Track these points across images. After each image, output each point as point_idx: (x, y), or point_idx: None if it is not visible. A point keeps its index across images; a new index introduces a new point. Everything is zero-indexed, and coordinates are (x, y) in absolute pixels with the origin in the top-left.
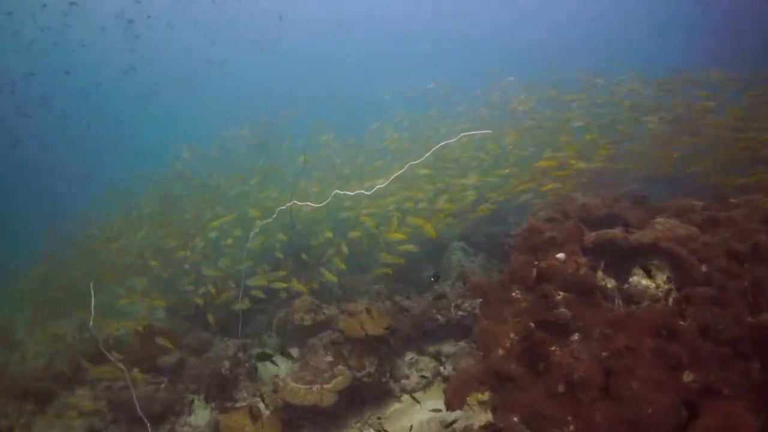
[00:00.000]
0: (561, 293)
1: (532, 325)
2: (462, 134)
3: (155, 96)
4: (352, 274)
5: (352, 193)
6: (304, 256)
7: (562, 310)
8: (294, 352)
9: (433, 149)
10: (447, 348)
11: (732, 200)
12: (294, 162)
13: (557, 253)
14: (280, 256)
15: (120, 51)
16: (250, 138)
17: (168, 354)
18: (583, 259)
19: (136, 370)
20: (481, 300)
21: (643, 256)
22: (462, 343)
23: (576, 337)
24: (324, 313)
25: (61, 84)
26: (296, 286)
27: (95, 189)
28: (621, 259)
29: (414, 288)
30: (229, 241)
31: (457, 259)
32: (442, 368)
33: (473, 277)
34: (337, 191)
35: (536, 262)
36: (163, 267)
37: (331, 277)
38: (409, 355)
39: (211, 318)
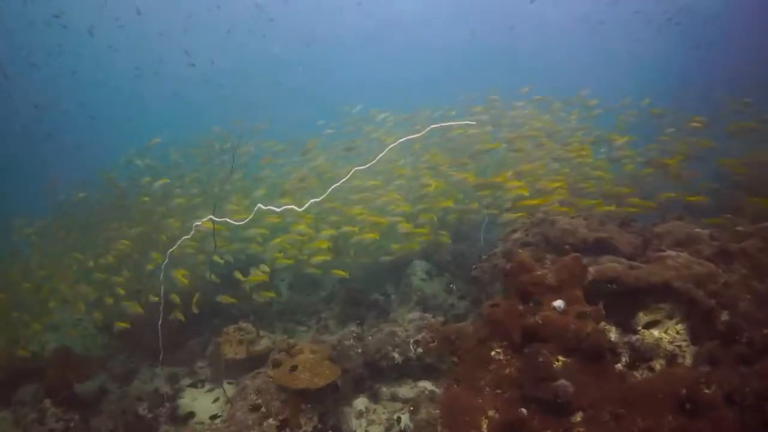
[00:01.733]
0: (560, 358)
1: (524, 410)
2: (431, 127)
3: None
4: (300, 293)
5: (278, 209)
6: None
7: (562, 383)
8: (229, 388)
9: (387, 149)
10: (404, 391)
11: (740, 228)
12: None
13: (553, 300)
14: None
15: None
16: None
17: (87, 382)
18: (589, 310)
19: (48, 402)
20: (449, 353)
21: (652, 298)
22: (422, 384)
23: (579, 418)
24: (262, 343)
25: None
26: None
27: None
28: (624, 301)
29: (368, 313)
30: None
31: (418, 281)
32: (399, 416)
33: (437, 320)
34: (260, 206)
35: (524, 310)
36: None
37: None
38: (360, 402)
39: (116, 329)
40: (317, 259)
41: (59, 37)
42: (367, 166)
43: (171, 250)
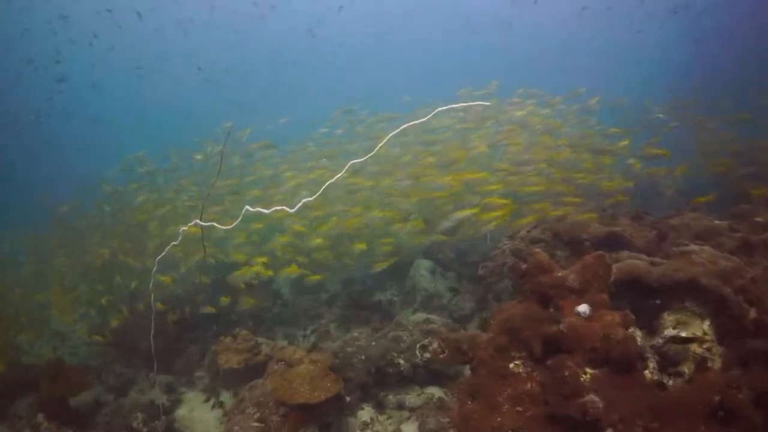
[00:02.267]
0: (588, 370)
1: None
2: (438, 109)
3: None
4: (301, 295)
5: (267, 211)
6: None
7: (591, 398)
8: (226, 399)
9: (388, 138)
10: (411, 398)
11: (758, 219)
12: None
13: (577, 304)
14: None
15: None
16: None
17: (82, 394)
18: (617, 315)
19: (41, 416)
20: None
21: (677, 297)
22: (430, 390)
23: None
24: (260, 351)
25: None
26: None
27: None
28: (647, 301)
29: (371, 315)
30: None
31: (422, 280)
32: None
33: (445, 326)
34: (248, 207)
35: (545, 317)
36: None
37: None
38: (364, 413)
39: (101, 339)
40: (288, 271)
41: (57, 43)
42: (365, 158)
43: (159, 256)
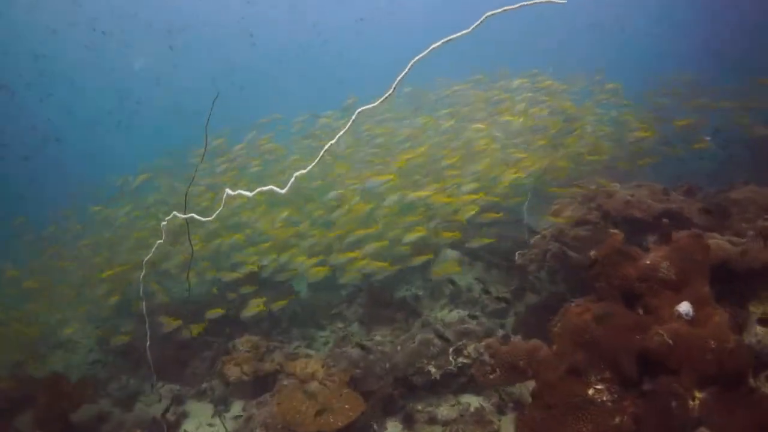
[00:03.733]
0: (697, 394)
1: None
2: (488, 14)
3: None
4: (320, 291)
5: (250, 194)
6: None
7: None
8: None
9: (398, 79)
10: (444, 411)
11: None
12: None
13: (676, 302)
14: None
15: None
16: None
17: (84, 408)
18: (725, 315)
19: None
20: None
21: (762, 283)
22: (465, 399)
23: None
24: (272, 360)
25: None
26: None
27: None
28: (731, 289)
29: (396, 313)
30: None
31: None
32: None
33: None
34: (228, 191)
35: (636, 322)
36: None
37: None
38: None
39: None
40: None
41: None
42: (372, 105)
43: (147, 258)
